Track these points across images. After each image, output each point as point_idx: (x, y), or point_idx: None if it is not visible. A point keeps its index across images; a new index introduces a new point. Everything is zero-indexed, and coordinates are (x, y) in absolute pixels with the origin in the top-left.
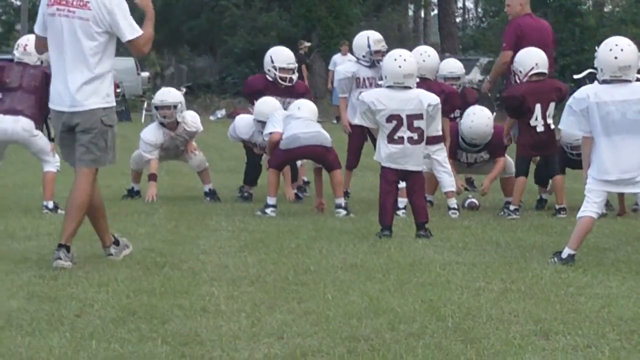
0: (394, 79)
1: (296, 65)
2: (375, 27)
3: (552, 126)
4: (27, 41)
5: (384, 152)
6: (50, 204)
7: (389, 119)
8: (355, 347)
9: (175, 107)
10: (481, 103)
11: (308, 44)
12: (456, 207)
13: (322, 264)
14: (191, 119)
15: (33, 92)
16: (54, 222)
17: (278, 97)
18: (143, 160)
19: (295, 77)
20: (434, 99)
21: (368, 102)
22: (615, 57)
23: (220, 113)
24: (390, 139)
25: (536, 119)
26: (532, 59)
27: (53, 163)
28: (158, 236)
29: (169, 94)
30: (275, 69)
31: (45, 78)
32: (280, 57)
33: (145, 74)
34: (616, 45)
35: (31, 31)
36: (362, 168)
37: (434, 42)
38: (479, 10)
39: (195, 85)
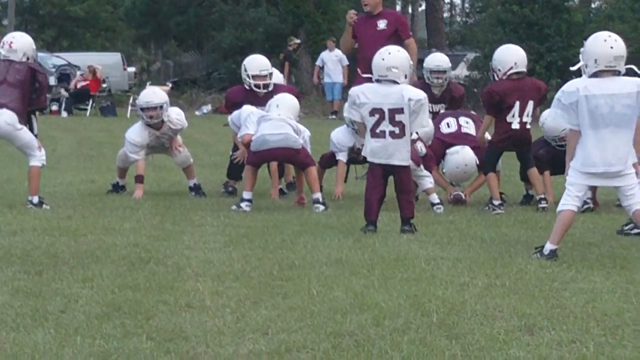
0: (378, 72)
1: (270, 71)
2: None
3: (529, 126)
4: (12, 38)
5: (369, 147)
6: (35, 199)
7: (372, 112)
8: (340, 342)
9: (161, 107)
10: (468, 97)
11: (298, 41)
12: (439, 201)
13: (306, 259)
14: (176, 117)
15: (17, 86)
16: (38, 217)
17: (260, 107)
18: (129, 160)
19: (271, 82)
20: (416, 94)
21: (353, 95)
22: (611, 47)
23: (206, 108)
24: (373, 133)
25: (513, 116)
26: (511, 58)
27: (38, 158)
28: (143, 231)
29: (154, 95)
30: (249, 77)
31: (31, 73)
32: (252, 64)
33: (132, 69)
34: (609, 36)
35: (18, 27)
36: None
37: (421, 37)
38: (466, 5)
39: (181, 81)
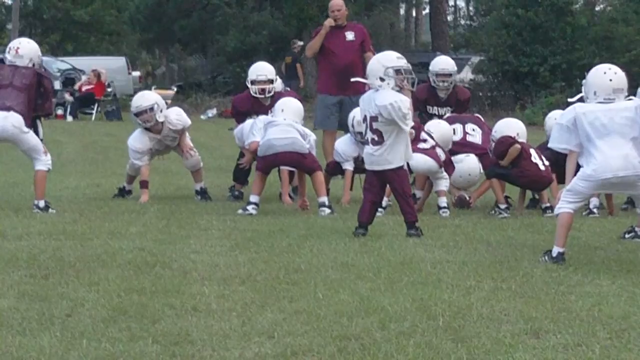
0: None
1: (271, 78)
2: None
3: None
4: (19, 44)
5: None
6: (41, 203)
7: (363, 119)
8: (345, 346)
9: (151, 109)
10: (473, 101)
11: (301, 43)
12: (447, 205)
13: (312, 262)
14: (175, 117)
15: (23, 90)
16: (45, 221)
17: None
18: (136, 167)
19: (272, 88)
20: (382, 100)
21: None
22: (610, 80)
23: (211, 112)
24: (365, 140)
25: (535, 158)
26: (512, 130)
27: (44, 162)
28: (149, 235)
29: (142, 98)
30: (249, 83)
31: (37, 78)
32: (252, 70)
33: (137, 73)
34: (609, 69)
35: (22, 31)
36: None
37: (425, 41)
38: (470, 9)
39: (186, 85)
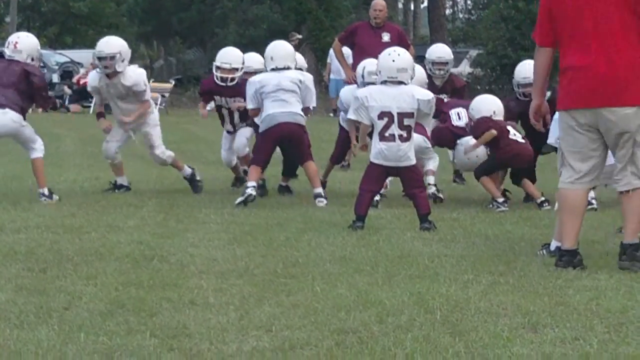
0: (387, 74)
1: (236, 67)
2: (365, 19)
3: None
4: (18, 39)
5: (375, 149)
6: (46, 191)
7: (380, 115)
8: (343, 339)
9: (112, 57)
10: (470, 94)
11: (299, 36)
12: (435, 184)
13: (310, 256)
14: (130, 73)
15: (10, 87)
16: (42, 214)
17: (225, 97)
18: (111, 152)
19: (236, 77)
20: (426, 94)
21: (361, 98)
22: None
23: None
24: (382, 137)
25: (514, 135)
26: (489, 107)
27: (39, 148)
28: (147, 229)
29: (107, 45)
30: (215, 68)
31: (25, 74)
32: (219, 55)
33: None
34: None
35: (20, 24)
36: (352, 161)
37: (423, 34)
38: (469, 2)
39: (184, 78)
